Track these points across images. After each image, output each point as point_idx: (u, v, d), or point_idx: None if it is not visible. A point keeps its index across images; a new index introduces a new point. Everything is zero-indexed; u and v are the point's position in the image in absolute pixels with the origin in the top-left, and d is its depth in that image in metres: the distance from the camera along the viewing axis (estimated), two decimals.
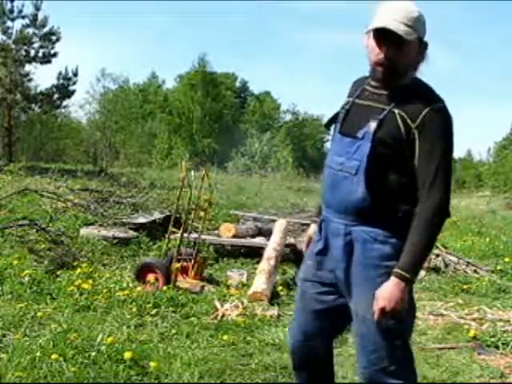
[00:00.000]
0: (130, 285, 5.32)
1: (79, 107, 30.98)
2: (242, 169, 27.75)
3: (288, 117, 48.08)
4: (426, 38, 2.08)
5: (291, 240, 7.48)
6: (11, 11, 18.30)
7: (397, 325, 2.09)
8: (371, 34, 2.05)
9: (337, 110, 2.26)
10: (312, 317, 2.32)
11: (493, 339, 4.17)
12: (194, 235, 6.63)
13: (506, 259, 7.52)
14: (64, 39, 18.85)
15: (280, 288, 5.65)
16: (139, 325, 4.32)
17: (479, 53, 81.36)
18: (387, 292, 2.00)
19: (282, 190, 16.42)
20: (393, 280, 1.99)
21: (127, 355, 3.35)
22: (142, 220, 8.24)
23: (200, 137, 40.81)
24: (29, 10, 18.55)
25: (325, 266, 2.24)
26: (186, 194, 5.87)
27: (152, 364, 3.33)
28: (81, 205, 8.73)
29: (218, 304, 4.92)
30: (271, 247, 6.33)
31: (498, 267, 7.27)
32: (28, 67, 18.68)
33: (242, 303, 4.90)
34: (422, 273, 6.73)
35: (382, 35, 1.99)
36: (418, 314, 4.97)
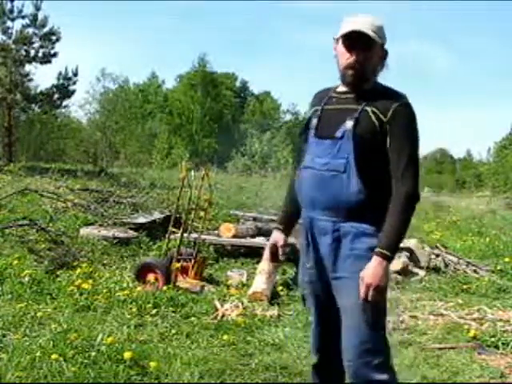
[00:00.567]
0: (130, 285, 5.32)
1: (79, 107, 31.02)
2: (241, 169, 27.74)
3: (288, 117, 48.04)
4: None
5: (292, 240, 7.47)
6: (11, 11, 18.27)
7: (381, 315, 2.22)
8: (340, 40, 2.24)
9: (306, 119, 2.42)
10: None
11: (493, 339, 4.17)
12: (194, 235, 6.63)
13: (506, 259, 7.52)
14: (64, 39, 18.84)
15: (280, 288, 5.65)
16: (139, 325, 4.32)
17: (479, 52, 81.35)
18: (371, 270, 2.13)
19: (281, 189, 16.40)
20: (376, 259, 2.13)
21: (127, 355, 3.35)
22: (142, 220, 8.24)
23: (200, 137, 40.81)
24: (29, 10, 18.54)
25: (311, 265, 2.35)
26: (186, 194, 5.87)
27: (152, 364, 3.33)
28: (81, 205, 8.74)
29: (218, 304, 4.92)
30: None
31: (498, 267, 7.26)
32: (28, 67, 18.66)
33: (242, 303, 4.90)
34: (422, 273, 6.74)
35: (352, 40, 2.19)
36: (418, 313, 4.98)
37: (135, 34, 77.06)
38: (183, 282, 5.65)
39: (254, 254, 7.22)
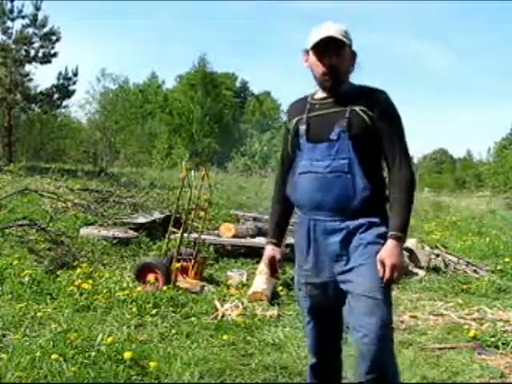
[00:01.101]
0: (130, 285, 5.32)
1: (79, 107, 30.97)
2: (242, 169, 27.73)
3: None
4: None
5: (291, 240, 7.47)
6: (11, 11, 18.27)
7: (391, 295, 2.29)
8: (310, 53, 2.33)
9: (290, 129, 2.46)
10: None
11: (493, 339, 4.17)
12: (194, 235, 6.64)
13: (506, 259, 7.52)
14: (64, 39, 18.84)
15: (280, 288, 5.65)
16: (139, 325, 4.33)
17: (479, 52, 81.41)
18: (389, 251, 2.21)
19: None
20: (391, 242, 2.22)
21: (127, 355, 3.35)
22: (142, 220, 8.25)
23: (200, 137, 40.78)
24: (29, 10, 18.54)
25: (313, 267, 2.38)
26: (186, 194, 5.87)
27: (152, 364, 3.33)
28: (81, 205, 8.74)
29: (218, 304, 4.92)
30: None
31: (498, 267, 7.27)
32: (28, 67, 18.65)
33: (242, 303, 4.90)
34: (422, 273, 6.74)
35: (322, 48, 2.28)
36: (418, 313, 4.98)
37: (135, 34, 77.21)
38: (183, 281, 5.65)
39: (254, 254, 7.22)
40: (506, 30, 79.08)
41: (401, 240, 2.23)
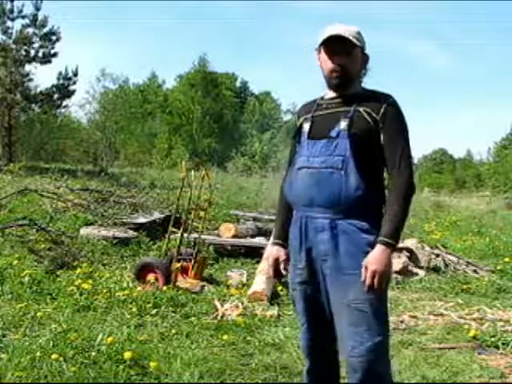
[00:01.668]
0: (130, 285, 5.32)
1: (79, 107, 31.02)
2: (241, 169, 27.74)
3: (288, 117, 48.06)
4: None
5: None
6: (11, 11, 18.30)
7: (384, 308, 2.26)
8: (322, 51, 2.35)
9: (296, 127, 2.49)
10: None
11: (493, 339, 4.16)
12: (194, 235, 6.64)
13: (506, 259, 7.52)
14: (64, 39, 18.88)
15: (280, 288, 5.64)
16: (139, 325, 4.32)
17: (479, 52, 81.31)
18: (375, 257, 2.16)
19: None
20: (379, 248, 2.17)
21: (127, 355, 3.35)
22: (142, 220, 8.25)
23: (200, 137, 40.81)
24: (29, 9, 18.59)
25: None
26: (186, 194, 5.87)
27: (152, 364, 3.33)
28: (81, 205, 8.74)
29: (218, 304, 4.92)
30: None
31: (498, 267, 7.26)
32: (28, 67, 18.69)
33: (242, 303, 4.90)
34: (422, 273, 6.74)
35: (333, 46, 2.30)
36: (418, 313, 4.98)
37: (135, 34, 77.16)
38: (183, 281, 5.65)
39: (254, 254, 7.23)
40: (507, 29, 79.06)
41: (390, 247, 2.17)
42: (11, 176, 12.05)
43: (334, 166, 2.26)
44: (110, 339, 3.58)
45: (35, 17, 18.46)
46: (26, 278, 5.17)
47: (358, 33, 2.34)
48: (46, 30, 18.55)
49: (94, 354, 3.38)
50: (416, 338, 4.30)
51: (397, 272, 6.46)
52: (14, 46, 18.09)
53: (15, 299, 4.77)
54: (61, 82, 18.91)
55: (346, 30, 2.30)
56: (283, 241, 2.52)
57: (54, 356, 3.26)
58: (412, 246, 7.12)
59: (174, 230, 5.81)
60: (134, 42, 78.81)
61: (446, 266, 7.12)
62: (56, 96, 18.88)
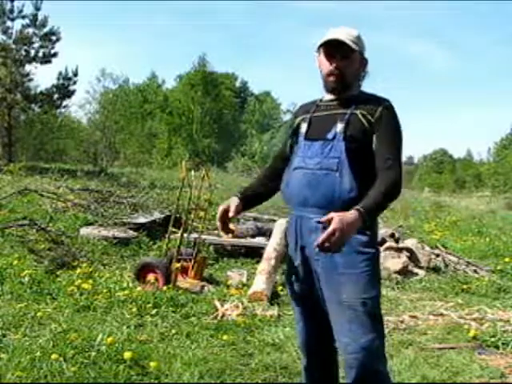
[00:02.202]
0: (130, 285, 5.32)
1: (79, 107, 31.07)
2: (241, 169, 27.73)
3: (288, 117, 48.06)
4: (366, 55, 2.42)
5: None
6: (11, 11, 18.28)
7: (378, 305, 2.28)
8: (321, 53, 2.38)
9: (293, 127, 2.51)
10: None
11: (493, 339, 4.17)
12: (194, 235, 6.64)
13: (506, 259, 7.52)
14: (64, 39, 18.86)
15: (280, 288, 5.64)
16: (139, 325, 4.32)
17: (479, 52, 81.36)
18: (341, 216, 2.02)
19: None
20: (352, 212, 2.07)
21: (127, 355, 3.35)
22: (142, 220, 8.24)
23: (200, 137, 40.79)
24: (29, 9, 18.56)
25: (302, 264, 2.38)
26: (186, 194, 5.87)
27: (152, 364, 3.33)
28: (81, 205, 8.73)
29: (218, 304, 4.92)
30: (271, 247, 6.33)
31: (498, 267, 7.27)
32: (28, 67, 18.66)
33: (242, 303, 4.90)
34: (422, 273, 6.74)
35: (332, 49, 2.33)
36: (418, 313, 4.98)
37: (135, 34, 77.15)
38: (183, 281, 5.65)
39: (254, 254, 7.23)
40: (507, 29, 79.04)
41: (361, 216, 2.06)
42: (11, 176, 12.04)
43: (329, 167, 2.29)
44: (109, 339, 3.58)
45: (35, 17, 18.44)
46: (26, 278, 5.17)
47: (358, 37, 2.37)
48: (46, 30, 18.52)
49: (93, 353, 3.38)
50: (416, 337, 4.30)
51: (397, 272, 6.46)
52: (14, 46, 18.06)
53: (15, 299, 4.77)
54: (61, 82, 18.88)
55: (346, 34, 2.33)
56: (244, 196, 2.49)
57: (53, 356, 3.27)
58: (412, 246, 7.12)
59: (174, 229, 5.81)
60: (133, 42, 78.85)
61: (446, 266, 7.12)
62: (56, 96, 18.85)
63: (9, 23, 18.31)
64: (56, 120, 28.62)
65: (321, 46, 2.36)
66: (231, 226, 2.47)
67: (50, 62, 18.74)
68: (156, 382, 3.25)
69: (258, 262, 6.49)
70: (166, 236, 5.99)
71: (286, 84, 78.96)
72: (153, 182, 13.52)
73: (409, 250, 6.98)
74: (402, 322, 4.72)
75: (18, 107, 18.92)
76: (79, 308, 4.61)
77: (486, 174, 44.70)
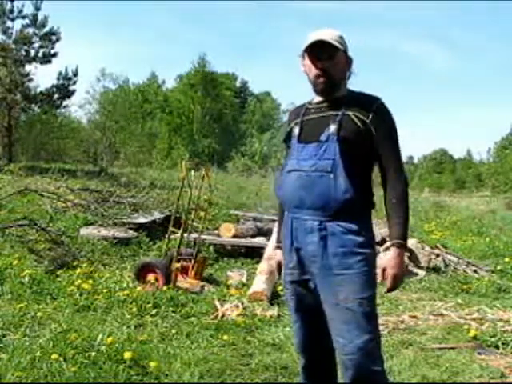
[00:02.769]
0: (130, 285, 5.32)
1: (79, 107, 31.02)
2: (241, 169, 27.74)
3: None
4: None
5: None
6: (11, 11, 18.28)
7: (374, 305, 2.31)
8: (306, 57, 2.38)
9: (286, 132, 2.55)
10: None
11: (493, 339, 4.17)
12: (194, 235, 6.64)
13: (506, 259, 7.52)
14: (64, 39, 18.86)
15: (280, 288, 5.64)
16: (139, 325, 4.32)
17: (479, 52, 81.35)
18: (393, 261, 2.27)
19: None
20: (395, 251, 2.27)
21: (127, 355, 3.35)
22: (142, 220, 8.24)
23: (200, 137, 40.81)
24: (29, 9, 18.56)
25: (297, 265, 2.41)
26: (186, 194, 5.86)
27: (152, 364, 3.33)
28: (81, 205, 8.74)
29: (218, 304, 4.92)
30: (271, 247, 6.33)
31: (498, 267, 7.27)
32: (28, 67, 18.65)
33: (242, 303, 4.90)
34: (422, 273, 6.74)
35: (316, 51, 2.33)
36: (418, 313, 4.98)
37: (135, 34, 77.16)
38: (183, 282, 5.65)
39: (254, 254, 7.23)
40: (507, 29, 79.04)
41: (403, 247, 2.27)
42: (11, 176, 12.04)
43: (323, 169, 2.30)
44: (109, 339, 3.58)
45: (35, 17, 18.44)
46: (26, 278, 5.17)
47: (341, 37, 2.37)
48: (46, 29, 18.52)
49: (93, 353, 3.38)
50: (416, 337, 4.29)
51: None
52: (13, 46, 18.06)
53: (15, 299, 4.77)
54: (61, 82, 18.88)
55: (329, 35, 2.33)
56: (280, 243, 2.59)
57: (53, 356, 3.26)
58: (412, 246, 7.12)
59: (173, 229, 5.81)
60: (133, 42, 78.85)
61: (446, 266, 7.12)
62: (56, 96, 18.85)
63: (9, 23, 18.32)
64: (56, 120, 28.56)
65: (305, 50, 2.36)
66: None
67: (49, 61, 18.74)
68: (156, 381, 3.25)
69: (257, 262, 6.50)
70: (166, 236, 5.99)
71: (285, 84, 79.00)
72: (153, 182, 13.52)
73: (409, 250, 6.98)
74: (402, 322, 4.72)
75: (18, 107, 18.90)
76: (79, 308, 4.61)
77: (486, 174, 44.70)
